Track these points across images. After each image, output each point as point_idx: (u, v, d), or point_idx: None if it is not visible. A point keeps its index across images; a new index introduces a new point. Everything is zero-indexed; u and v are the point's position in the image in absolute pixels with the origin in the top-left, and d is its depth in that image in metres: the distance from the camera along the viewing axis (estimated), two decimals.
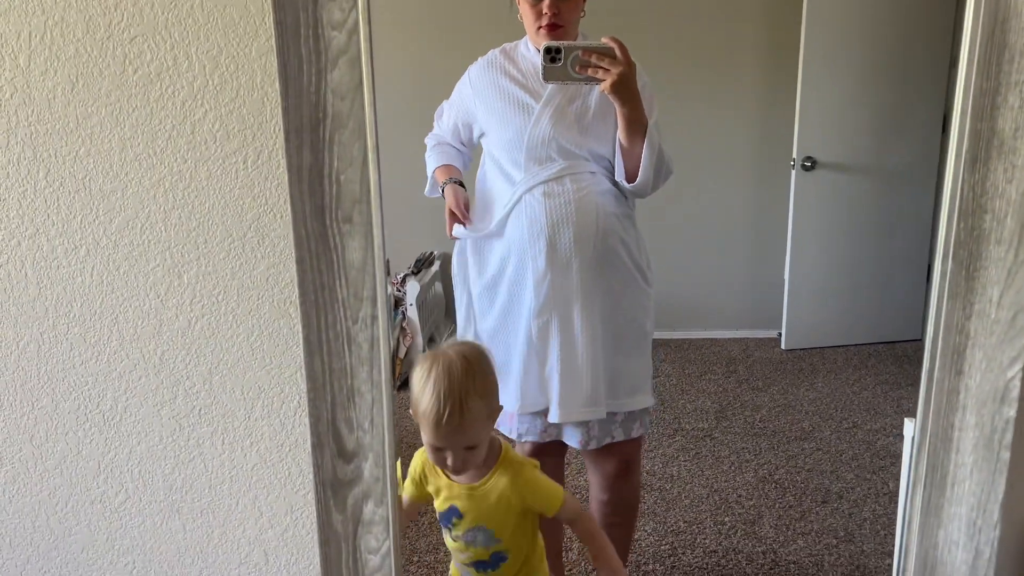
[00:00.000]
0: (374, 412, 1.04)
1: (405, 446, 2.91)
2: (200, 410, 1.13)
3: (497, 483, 1.35)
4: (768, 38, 3.51)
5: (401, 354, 3.16)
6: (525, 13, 1.60)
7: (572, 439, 1.71)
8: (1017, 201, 0.93)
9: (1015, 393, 0.98)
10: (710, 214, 3.69)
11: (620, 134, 1.56)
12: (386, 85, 3.57)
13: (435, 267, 3.53)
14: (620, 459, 1.77)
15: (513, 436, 1.75)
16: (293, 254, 1.01)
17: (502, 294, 1.68)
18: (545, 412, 1.68)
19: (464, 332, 1.80)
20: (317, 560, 1.13)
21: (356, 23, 0.94)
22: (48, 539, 1.19)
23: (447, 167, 1.79)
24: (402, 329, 3.17)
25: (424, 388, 1.24)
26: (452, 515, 1.39)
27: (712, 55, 3.52)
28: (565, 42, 1.46)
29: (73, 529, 1.19)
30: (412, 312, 3.16)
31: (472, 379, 1.25)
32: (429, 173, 1.83)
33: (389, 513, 1.07)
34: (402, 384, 3.24)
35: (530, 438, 1.73)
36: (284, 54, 0.94)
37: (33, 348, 1.11)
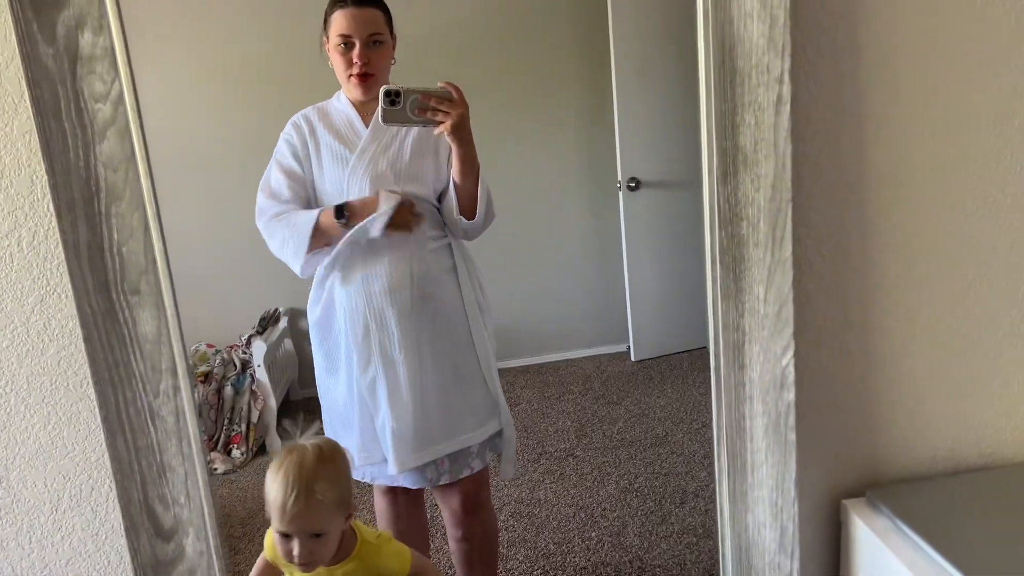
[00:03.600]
0: (188, 485, 1.01)
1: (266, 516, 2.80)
2: (1, 510, 1.05)
3: (347, 568, 1.31)
4: (583, 71, 3.69)
5: (254, 419, 3.04)
6: (336, 62, 1.61)
7: (417, 482, 1.70)
8: (766, 208, 1.03)
9: (791, 379, 1.07)
10: (550, 243, 3.82)
11: (455, 173, 1.59)
12: (191, 149, 3.34)
13: (282, 324, 3.43)
14: (463, 494, 1.77)
15: (367, 480, 1.73)
16: (81, 333, 0.97)
17: (341, 349, 1.68)
18: None
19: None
20: None
21: (121, 93, 0.92)
22: None
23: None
24: (252, 393, 3.05)
25: (275, 475, 1.20)
26: None
27: (530, 92, 3.66)
28: (404, 85, 1.46)
29: None
30: (261, 374, 3.05)
31: (323, 465, 1.22)
32: (301, 239, 1.56)
33: None
34: (258, 450, 3.12)
35: (382, 482, 1.73)
36: (46, 130, 0.91)
37: None
